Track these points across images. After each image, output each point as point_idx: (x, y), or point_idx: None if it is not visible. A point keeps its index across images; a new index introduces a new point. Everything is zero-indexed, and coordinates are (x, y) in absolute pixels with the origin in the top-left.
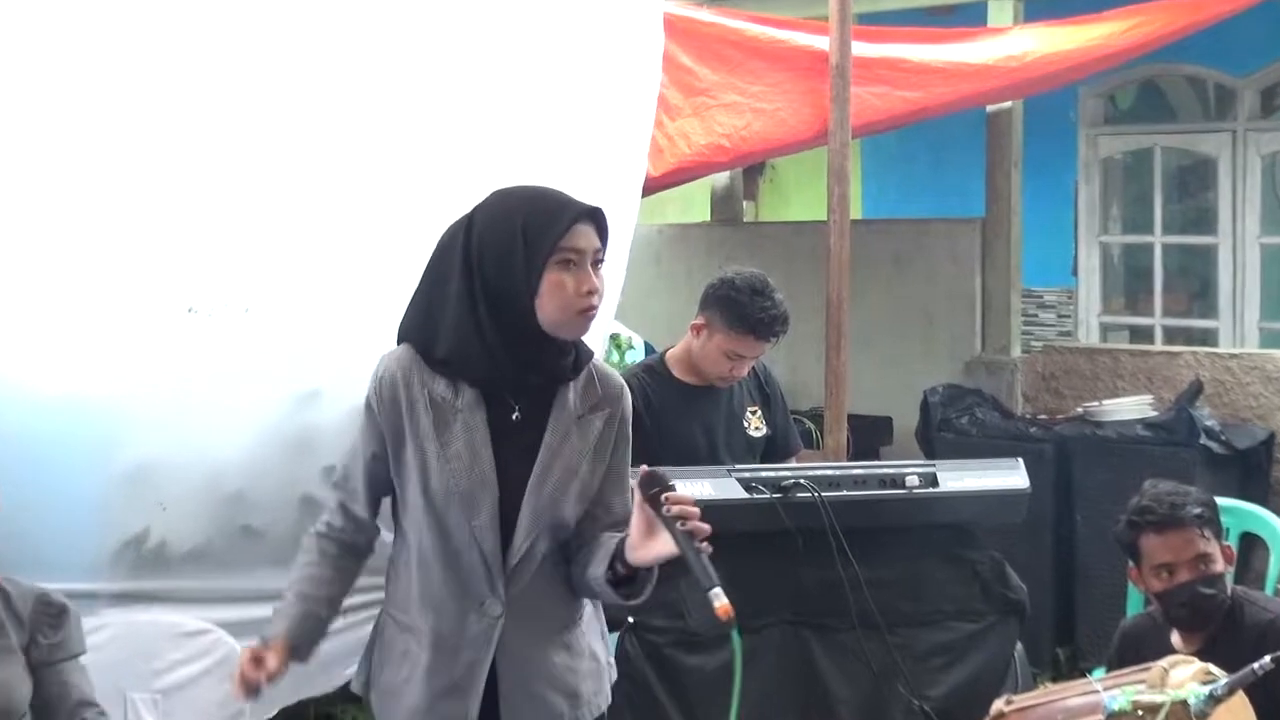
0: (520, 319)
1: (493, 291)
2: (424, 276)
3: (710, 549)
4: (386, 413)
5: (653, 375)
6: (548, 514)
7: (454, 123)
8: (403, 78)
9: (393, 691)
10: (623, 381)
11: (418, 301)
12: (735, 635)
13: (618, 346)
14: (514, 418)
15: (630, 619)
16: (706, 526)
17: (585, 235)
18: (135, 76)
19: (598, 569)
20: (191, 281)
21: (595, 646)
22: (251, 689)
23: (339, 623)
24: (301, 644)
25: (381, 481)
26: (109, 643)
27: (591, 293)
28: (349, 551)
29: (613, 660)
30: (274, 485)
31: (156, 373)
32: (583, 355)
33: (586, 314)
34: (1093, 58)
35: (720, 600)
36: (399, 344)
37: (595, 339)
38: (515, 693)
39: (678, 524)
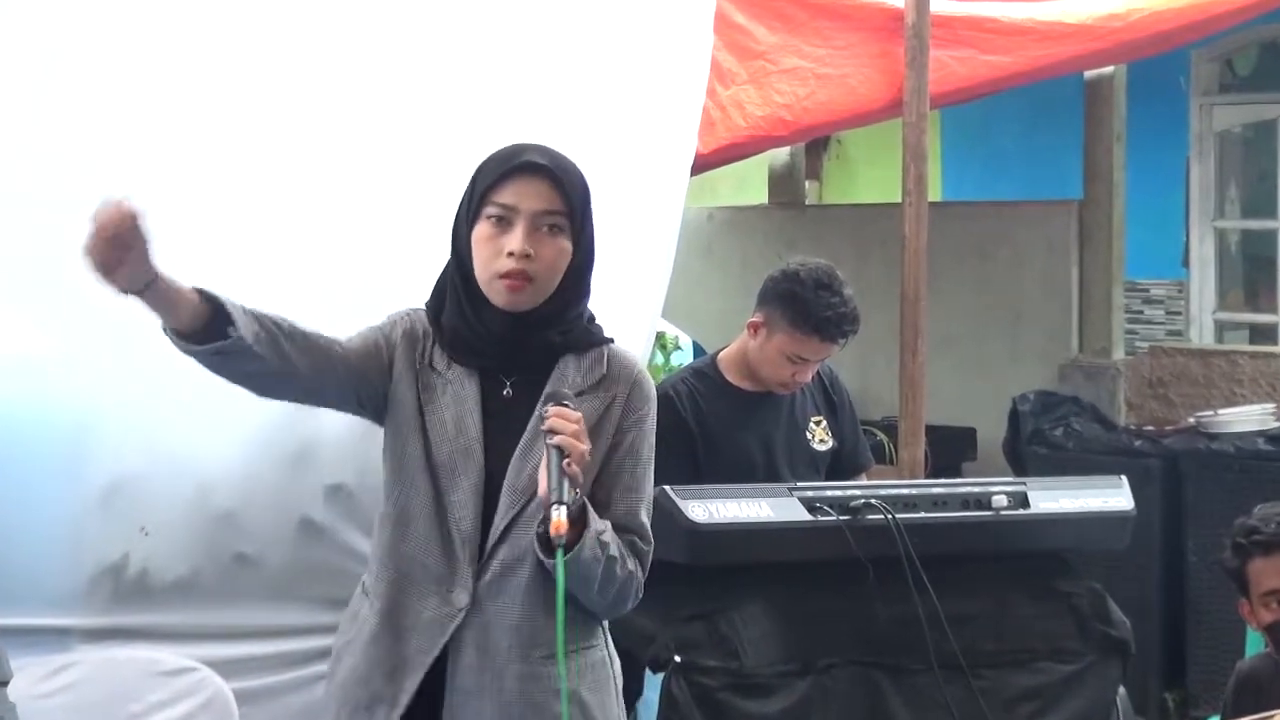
0: (465, 278)
1: (456, 252)
2: None
3: (579, 474)
4: (403, 350)
5: (703, 380)
6: (528, 495)
7: (474, 96)
8: (416, 50)
9: (337, 654)
10: (640, 370)
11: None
12: (559, 556)
13: (663, 347)
14: (505, 394)
15: (677, 658)
16: (581, 445)
17: (524, 191)
18: (114, 66)
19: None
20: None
21: (586, 695)
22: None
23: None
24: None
25: (357, 355)
26: (81, 681)
27: (515, 255)
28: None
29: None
30: (269, 506)
31: (134, 378)
32: (577, 333)
33: (507, 280)
34: (1207, 16)
35: (557, 515)
36: None
37: (640, 339)
38: (466, 708)
39: (548, 436)
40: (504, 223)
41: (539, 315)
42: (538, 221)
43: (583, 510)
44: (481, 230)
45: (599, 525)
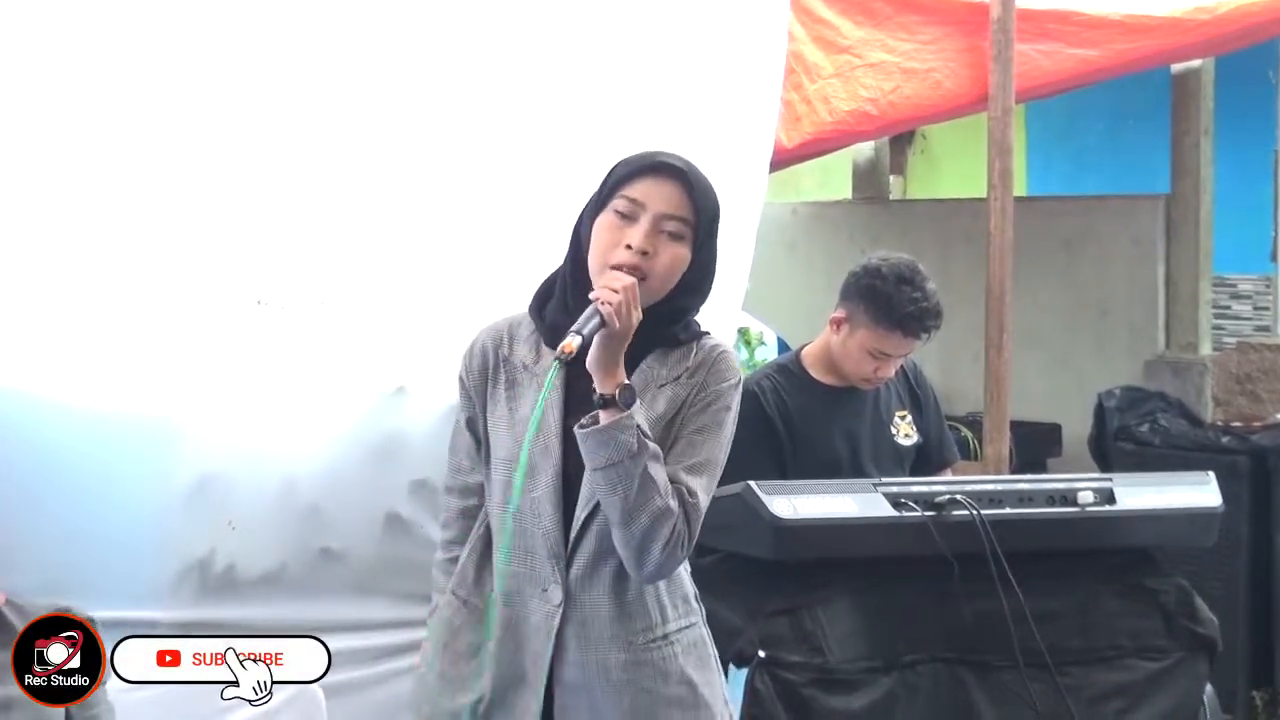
0: (577, 268)
1: (573, 241)
2: None
3: (614, 317)
4: (475, 381)
5: (787, 376)
6: None
7: (546, 91)
8: (492, 48)
9: (459, 682)
10: (719, 352)
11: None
12: (554, 367)
13: (747, 342)
14: (593, 387)
15: (761, 654)
16: (613, 294)
17: (655, 190)
18: (191, 59)
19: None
20: (260, 272)
21: (693, 674)
22: None
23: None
24: None
25: (479, 439)
26: None
27: (633, 249)
28: None
29: (729, 703)
30: (354, 501)
31: (221, 373)
32: (672, 330)
33: (619, 271)
34: None
35: (569, 339)
36: None
37: (721, 333)
38: (575, 702)
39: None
40: (628, 218)
41: (644, 314)
42: (661, 223)
43: (632, 399)
44: (605, 220)
45: (644, 424)
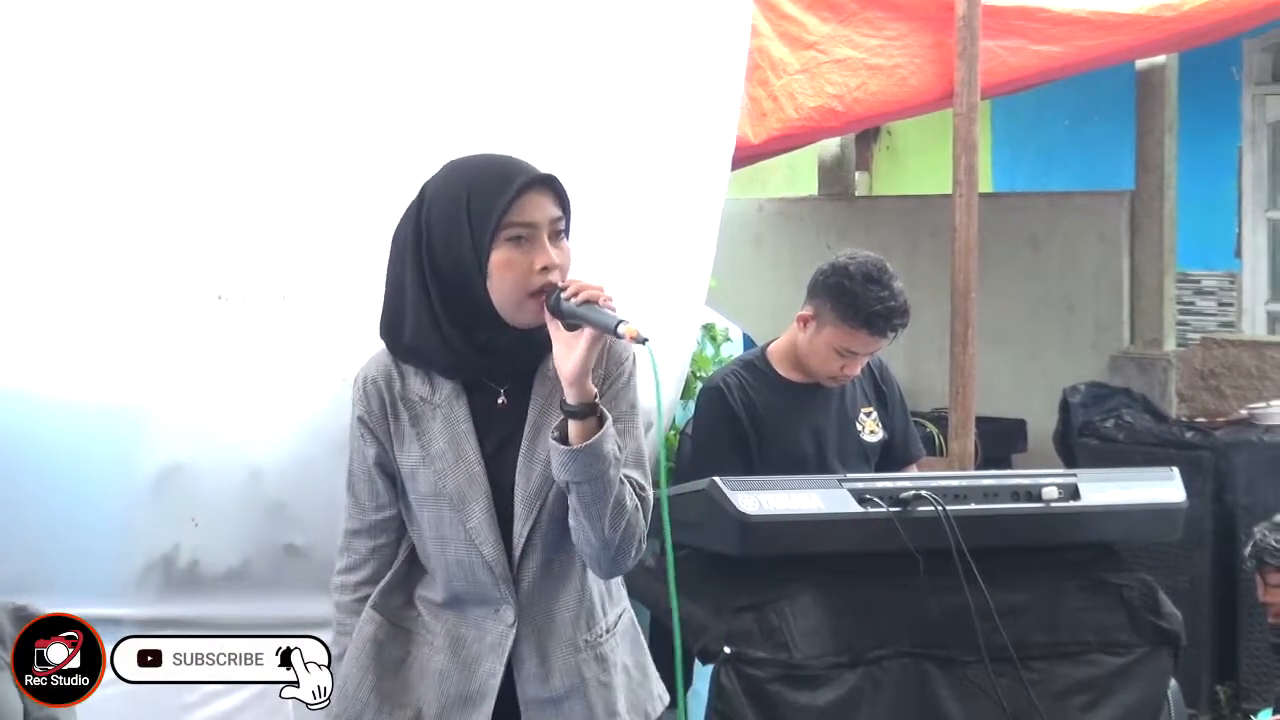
0: (475, 305)
1: (443, 276)
2: (389, 261)
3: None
4: (378, 421)
5: (753, 372)
6: (542, 497)
7: (501, 87)
8: (449, 43)
9: (393, 697)
10: (619, 345)
11: (387, 290)
12: (649, 350)
13: (713, 339)
14: (500, 402)
15: (727, 650)
16: (606, 293)
17: (537, 205)
18: (152, 57)
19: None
20: (221, 267)
21: (627, 658)
22: None
23: None
24: None
25: (390, 474)
26: None
27: (548, 269)
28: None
29: (698, 694)
30: (319, 496)
31: (184, 368)
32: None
33: (543, 296)
34: (1261, 6)
35: (628, 326)
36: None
37: (684, 329)
38: (538, 706)
39: (573, 300)
40: (526, 240)
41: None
42: (553, 230)
43: (596, 410)
44: (505, 255)
45: (612, 432)
